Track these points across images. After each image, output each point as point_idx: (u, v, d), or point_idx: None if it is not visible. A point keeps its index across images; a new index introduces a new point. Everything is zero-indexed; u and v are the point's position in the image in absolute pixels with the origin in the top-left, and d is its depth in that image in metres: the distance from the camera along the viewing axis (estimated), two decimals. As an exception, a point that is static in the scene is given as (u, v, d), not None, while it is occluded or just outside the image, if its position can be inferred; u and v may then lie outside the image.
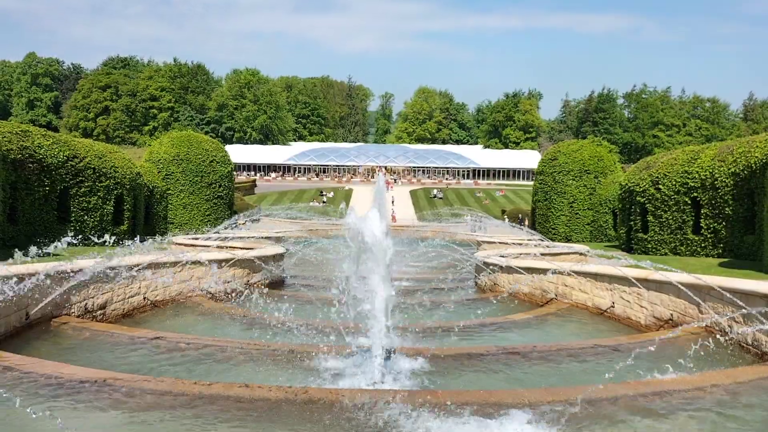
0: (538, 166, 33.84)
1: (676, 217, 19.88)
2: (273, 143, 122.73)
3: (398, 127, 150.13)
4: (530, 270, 13.81)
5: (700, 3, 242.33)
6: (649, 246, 20.91)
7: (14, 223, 17.73)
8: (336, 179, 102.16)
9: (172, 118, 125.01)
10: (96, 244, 10.95)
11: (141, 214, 24.85)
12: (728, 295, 8.46)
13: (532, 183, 40.88)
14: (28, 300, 8.63)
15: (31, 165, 18.22)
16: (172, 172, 29.10)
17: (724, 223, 18.01)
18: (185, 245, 17.00)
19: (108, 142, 64.81)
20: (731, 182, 17.59)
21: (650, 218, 20.89)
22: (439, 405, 5.50)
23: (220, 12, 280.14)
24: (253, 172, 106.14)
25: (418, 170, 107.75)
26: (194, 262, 12.80)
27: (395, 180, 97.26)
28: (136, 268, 11.07)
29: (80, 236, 13.01)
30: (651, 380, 6.53)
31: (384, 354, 7.19)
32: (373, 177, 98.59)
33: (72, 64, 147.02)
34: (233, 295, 13.27)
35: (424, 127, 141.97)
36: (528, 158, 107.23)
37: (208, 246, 16.52)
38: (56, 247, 8.85)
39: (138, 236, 13.36)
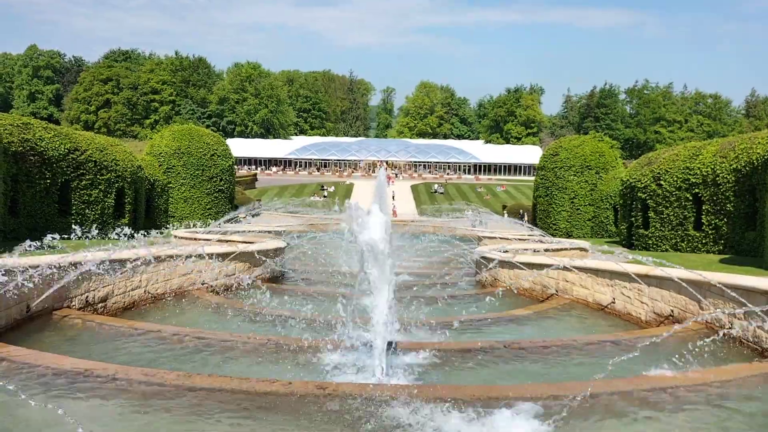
0: (540, 162, 33.80)
1: (678, 213, 19.87)
2: (274, 137, 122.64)
3: (399, 121, 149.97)
4: (531, 265, 13.80)
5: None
6: (650, 242, 20.90)
7: (15, 215, 17.74)
8: (337, 174, 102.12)
9: (173, 112, 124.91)
10: (96, 237, 10.97)
11: (142, 208, 24.86)
12: (729, 291, 8.46)
13: (533, 178, 40.85)
14: (30, 292, 8.64)
15: (32, 158, 18.22)
16: (173, 166, 29.10)
17: (725, 219, 18.00)
18: (186, 239, 17.01)
19: (109, 135, 64.81)
20: (733, 178, 17.57)
21: (651, 214, 20.88)
22: (439, 399, 5.51)
23: (222, 4, 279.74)
24: (254, 166, 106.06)
25: (419, 165, 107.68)
26: (195, 256, 12.81)
27: (396, 175, 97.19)
28: (137, 261, 11.07)
29: (84, 229, 13.02)
30: (651, 376, 6.54)
31: (384, 348, 7.20)
32: (374, 171, 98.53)
33: (73, 56, 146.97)
34: (234, 288, 13.28)
35: (425, 122, 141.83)
36: (529, 153, 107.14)
37: (209, 240, 16.51)
38: (53, 239, 8.86)
39: (139, 230, 13.37)
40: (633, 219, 22.22)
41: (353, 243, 7.40)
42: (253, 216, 34.11)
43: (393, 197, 65.24)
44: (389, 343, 7.33)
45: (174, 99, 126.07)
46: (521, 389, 5.97)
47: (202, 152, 29.64)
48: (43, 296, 8.85)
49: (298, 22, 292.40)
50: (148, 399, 5.68)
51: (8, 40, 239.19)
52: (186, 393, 5.75)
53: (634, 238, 22.07)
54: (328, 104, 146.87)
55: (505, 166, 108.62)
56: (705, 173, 18.69)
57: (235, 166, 35.06)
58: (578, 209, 30.89)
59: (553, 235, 28.01)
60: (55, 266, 8.91)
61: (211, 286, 13.03)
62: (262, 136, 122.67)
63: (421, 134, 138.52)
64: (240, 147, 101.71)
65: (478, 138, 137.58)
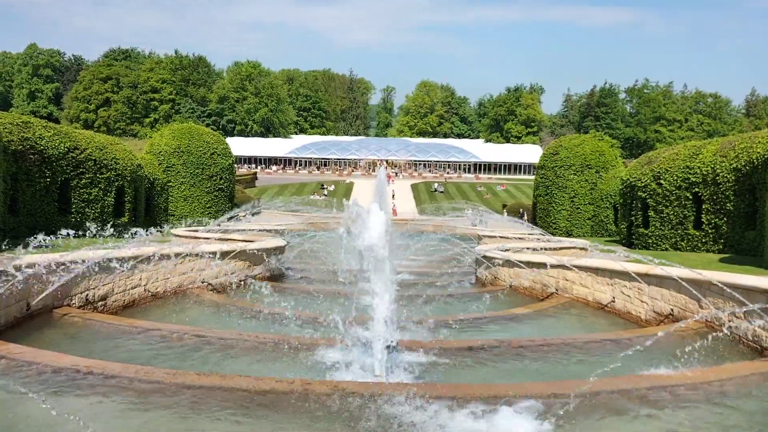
0: (540, 161, 33.80)
1: (677, 213, 19.86)
2: (274, 136, 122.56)
3: (399, 120, 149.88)
4: (531, 264, 13.80)
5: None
6: (650, 241, 20.90)
7: (15, 214, 17.72)
8: (337, 172, 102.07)
9: (173, 110, 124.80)
10: (97, 236, 10.97)
11: (142, 206, 24.86)
12: (729, 290, 8.46)
13: (533, 177, 40.84)
14: (29, 291, 8.64)
15: (32, 156, 18.20)
16: (173, 164, 29.09)
17: (725, 218, 17.99)
18: (186, 237, 17.01)
19: (109, 134, 64.70)
20: (733, 178, 17.57)
21: (651, 213, 20.88)
22: (440, 397, 5.51)
23: (222, 2, 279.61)
24: (254, 165, 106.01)
25: (420, 164, 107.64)
26: (195, 254, 12.81)
27: (396, 174, 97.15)
28: (136, 260, 11.07)
29: (86, 227, 13.03)
30: (651, 374, 6.54)
31: (384, 347, 7.20)
32: (374, 170, 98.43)
33: (73, 55, 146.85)
34: (234, 287, 13.29)
35: (425, 121, 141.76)
36: (529, 153, 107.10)
37: (209, 238, 16.52)
38: (51, 238, 8.86)
39: (138, 228, 13.37)
40: (633, 218, 22.21)
41: (352, 242, 7.39)
42: (252, 215, 34.12)
43: (393, 196, 65.24)
44: (389, 342, 7.33)
45: (174, 98, 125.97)
46: (521, 387, 5.97)
47: (202, 151, 29.64)
48: (43, 294, 8.86)
49: (298, 20, 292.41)
50: (148, 397, 5.68)
51: (8, 38, 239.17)
52: (185, 391, 5.75)
53: (634, 237, 22.07)
54: (328, 103, 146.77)
55: (505, 165, 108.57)
56: (705, 172, 18.69)
57: (235, 165, 35.05)
58: (578, 208, 30.89)
59: (553, 234, 28.02)
60: (54, 264, 8.91)
61: (211, 285, 13.03)
62: (262, 134, 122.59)
63: (422, 133, 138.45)
64: (240, 146, 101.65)
65: (478, 137, 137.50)
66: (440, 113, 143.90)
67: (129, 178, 22.54)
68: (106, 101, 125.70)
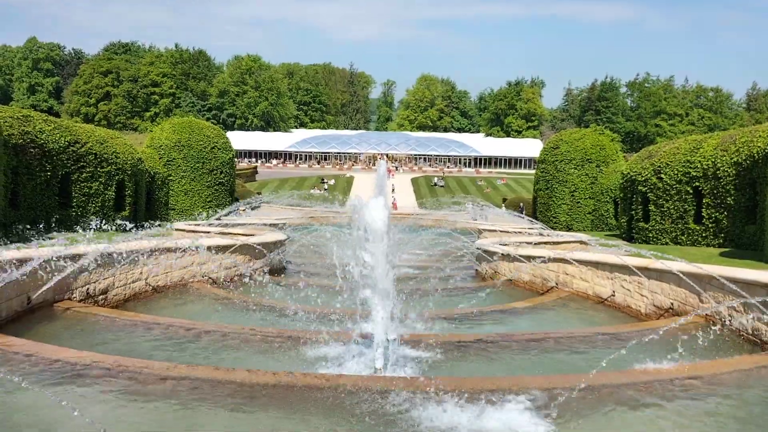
0: (540, 155, 33.76)
1: (678, 207, 19.86)
2: (274, 130, 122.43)
3: (400, 114, 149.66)
4: (531, 258, 13.81)
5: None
6: (650, 235, 20.91)
7: (15, 208, 17.74)
8: (337, 167, 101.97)
9: (173, 104, 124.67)
10: (99, 230, 10.97)
11: (142, 200, 24.87)
12: (729, 284, 8.46)
13: (533, 172, 40.81)
14: (30, 284, 8.65)
15: (32, 150, 18.20)
16: (174, 158, 29.07)
17: (725, 212, 18.00)
18: (186, 231, 17.02)
19: (109, 128, 64.61)
20: (733, 172, 17.56)
21: (652, 207, 20.88)
22: (440, 390, 5.52)
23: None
24: (254, 159, 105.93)
25: (420, 158, 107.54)
26: (195, 248, 12.82)
27: (396, 168, 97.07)
28: (137, 254, 11.09)
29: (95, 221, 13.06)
30: (648, 369, 6.56)
31: (384, 340, 7.21)
32: (374, 165, 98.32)
33: (73, 49, 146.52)
34: (234, 280, 13.31)
35: (425, 115, 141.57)
36: (530, 147, 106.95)
37: (209, 232, 16.53)
38: (52, 234, 8.88)
39: (139, 222, 13.38)
40: (633, 212, 22.22)
41: (353, 235, 7.39)
42: (253, 209, 34.12)
43: (393, 190, 65.21)
44: (389, 336, 7.35)
45: (174, 92, 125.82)
46: (520, 381, 5.99)
47: (203, 145, 29.61)
48: (44, 288, 8.87)
49: (298, 15, 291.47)
50: (147, 388, 5.70)
51: (8, 32, 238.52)
52: (186, 383, 5.77)
53: (634, 231, 22.08)
54: (329, 97, 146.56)
55: (505, 160, 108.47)
56: (705, 166, 18.68)
57: (236, 159, 35.02)
58: (578, 202, 30.88)
59: (554, 228, 28.03)
60: (55, 258, 8.93)
61: (212, 279, 13.05)
62: (263, 128, 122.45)
63: (422, 127, 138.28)
64: (240, 140, 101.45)
65: (478, 131, 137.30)
66: (441, 107, 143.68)
67: (129, 172, 22.54)
68: (107, 95, 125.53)
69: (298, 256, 18.65)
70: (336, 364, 7.13)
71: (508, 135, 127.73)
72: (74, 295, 9.72)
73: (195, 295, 11.83)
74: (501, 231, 21.45)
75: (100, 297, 10.29)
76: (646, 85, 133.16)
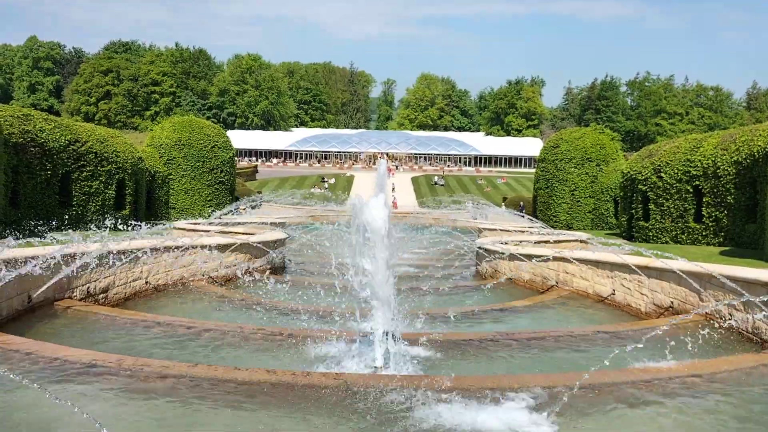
0: (540, 154, 33.75)
1: (678, 206, 19.86)
2: (275, 129, 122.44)
3: (400, 113, 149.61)
4: (531, 257, 13.82)
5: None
6: (651, 234, 20.91)
7: (16, 206, 17.74)
8: (337, 166, 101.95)
9: (173, 103, 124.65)
10: (100, 228, 10.97)
11: (143, 199, 24.87)
12: (729, 283, 8.47)
13: (533, 170, 40.80)
14: (31, 283, 8.66)
15: (32, 149, 18.20)
16: (174, 157, 29.07)
17: (725, 211, 18.00)
18: (187, 230, 17.03)
19: (110, 127, 64.65)
20: (733, 171, 17.56)
21: (652, 206, 20.88)
22: (440, 389, 5.53)
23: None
24: (254, 158, 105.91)
25: (420, 157, 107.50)
26: (196, 247, 12.83)
27: (397, 167, 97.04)
28: (137, 253, 11.09)
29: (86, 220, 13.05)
30: (648, 367, 6.56)
31: (384, 338, 7.22)
32: (374, 163, 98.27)
33: (73, 47, 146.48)
34: (235, 279, 13.31)
35: (426, 114, 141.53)
36: (530, 146, 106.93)
37: (210, 231, 16.54)
38: (48, 232, 8.89)
39: (140, 221, 13.40)
40: (633, 211, 22.21)
41: (353, 234, 7.39)
42: (253, 207, 34.14)
43: (393, 189, 65.20)
44: (389, 334, 7.36)
45: (174, 91, 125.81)
46: (521, 379, 6.00)
47: (203, 144, 29.61)
48: (45, 287, 8.88)
49: (298, 14, 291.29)
50: (149, 387, 5.70)
51: (8, 31, 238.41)
52: (186, 381, 5.78)
53: (634, 230, 22.08)
54: (329, 96, 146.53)
55: (505, 158, 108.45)
56: (706, 165, 18.68)
57: (236, 158, 35.00)
58: (579, 201, 30.87)
59: (554, 227, 28.02)
60: (55, 257, 8.93)
61: (212, 277, 13.06)
62: (263, 127, 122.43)
63: (422, 126, 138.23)
64: (240, 139, 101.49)
65: (478, 130, 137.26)
66: (441, 106, 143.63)
67: (130, 171, 22.54)
68: (107, 94, 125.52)
69: (298, 254, 18.66)
70: (336, 363, 7.14)
71: (508, 134, 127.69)
72: (75, 294, 9.73)
73: (195, 293, 11.84)
74: (501, 230, 21.46)
75: (101, 296, 10.29)
76: (647, 84, 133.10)
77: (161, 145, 29.14)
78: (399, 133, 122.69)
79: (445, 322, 9.42)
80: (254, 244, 14.47)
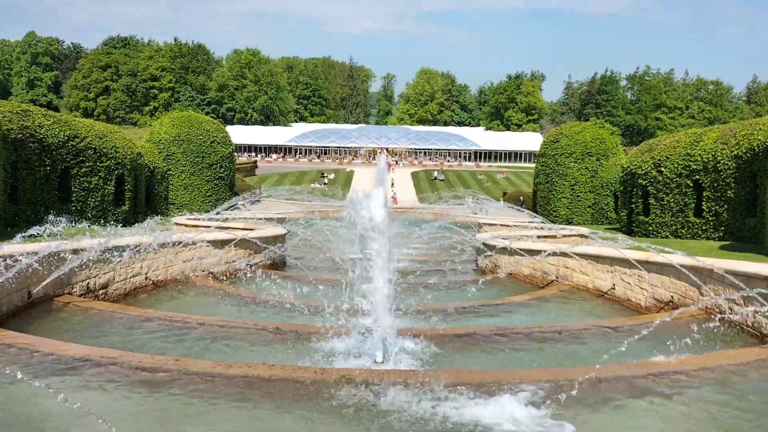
0: (540, 149, 33.72)
1: (678, 200, 19.85)
2: (274, 124, 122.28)
3: (400, 108, 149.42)
4: (531, 252, 13.81)
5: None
6: (651, 229, 20.90)
7: (15, 202, 17.72)
8: (337, 161, 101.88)
9: (172, 99, 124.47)
10: (99, 224, 10.95)
11: (142, 195, 24.85)
12: (729, 277, 8.46)
13: (533, 165, 40.76)
14: (30, 279, 8.65)
15: (31, 145, 18.17)
16: (173, 153, 29.04)
17: (725, 205, 17.98)
18: (186, 226, 17.02)
19: (109, 122, 64.53)
20: (734, 165, 17.54)
21: (652, 201, 20.86)
22: (440, 383, 5.53)
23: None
24: (254, 153, 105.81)
25: (420, 152, 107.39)
26: (195, 243, 12.82)
27: (396, 162, 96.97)
28: (137, 248, 11.08)
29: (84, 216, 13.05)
30: (649, 362, 6.56)
31: (384, 334, 7.22)
32: (374, 159, 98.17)
33: (72, 43, 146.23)
34: (234, 275, 13.31)
35: (425, 109, 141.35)
36: (530, 140, 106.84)
37: (209, 227, 16.53)
38: (46, 228, 8.87)
39: (139, 217, 13.39)
40: (633, 206, 22.20)
41: (353, 229, 7.39)
42: (253, 203, 34.13)
43: (393, 184, 65.15)
44: (389, 329, 7.35)
45: (173, 86, 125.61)
46: (521, 374, 5.99)
47: (202, 139, 29.57)
48: (44, 283, 8.87)
49: (297, 8, 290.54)
50: (149, 382, 5.70)
51: (7, 27, 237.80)
52: (188, 377, 5.78)
53: (634, 224, 22.07)
54: (328, 91, 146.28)
55: (505, 153, 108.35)
56: (706, 160, 18.66)
57: (235, 154, 34.99)
58: (578, 196, 30.86)
59: (554, 222, 28.03)
60: (55, 252, 8.92)
61: (212, 273, 13.06)
62: (262, 123, 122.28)
63: (422, 121, 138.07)
64: (240, 134, 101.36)
65: (478, 125, 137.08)
66: (441, 101, 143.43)
67: (129, 167, 22.51)
68: (106, 89, 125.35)
69: (298, 250, 18.65)
70: (336, 358, 7.14)
71: (508, 129, 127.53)
72: (74, 290, 9.72)
73: (195, 289, 11.84)
74: (501, 225, 21.45)
75: (101, 291, 10.29)
76: (646, 78, 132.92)
77: (160, 140, 29.11)
78: (399, 128, 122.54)
79: (445, 316, 9.42)
80: (254, 240, 14.46)
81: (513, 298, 11.51)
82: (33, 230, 8.85)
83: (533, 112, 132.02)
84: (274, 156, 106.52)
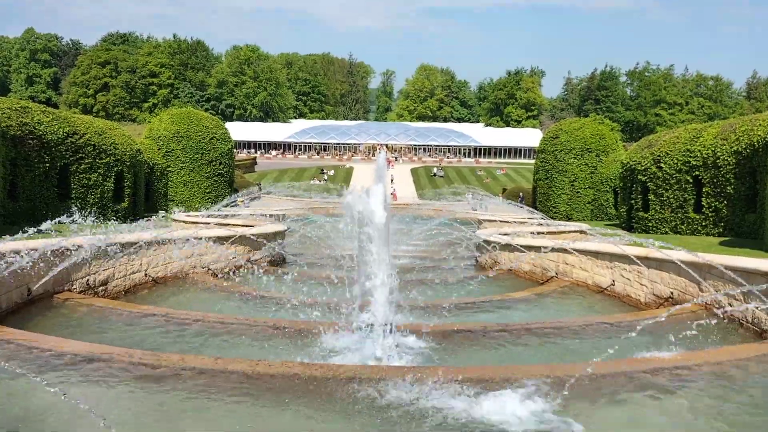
0: (540, 145, 33.72)
1: (678, 196, 19.85)
2: (273, 121, 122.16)
3: (399, 104, 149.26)
4: (531, 248, 13.81)
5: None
6: (650, 225, 20.91)
7: (14, 199, 17.72)
8: (337, 157, 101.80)
9: (171, 95, 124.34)
10: (99, 221, 10.93)
11: (141, 192, 24.84)
12: (729, 273, 8.46)
13: (533, 161, 40.75)
14: (30, 276, 8.65)
15: (30, 141, 18.16)
16: (173, 150, 29.03)
17: (725, 201, 17.99)
18: (186, 222, 17.01)
19: (108, 119, 64.40)
20: (733, 161, 17.54)
21: (651, 197, 20.87)
22: (441, 380, 5.53)
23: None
24: (253, 150, 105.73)
25: (419, 148, 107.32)
26: (195, 239, 12.81)
27: (396, 158, 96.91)
28: (136, 245, 11.08)
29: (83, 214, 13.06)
30: (649, 357, 6.56)
31: (384, 330, 7.21)
32: (373, 155, 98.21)
33: (71, 39, 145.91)
34: (234, 272, 13.31)
35: (425, 105, 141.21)
36: (529, 136, 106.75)
37: (209, 223, 16.52)
38: (49, 224, 8.86)
39: (138, 214, 13.38)
40: (633, 202, 22.21)
41: (353, 226, 7.38)
42: (252, 199, 34.12)
43: (392, 181, 65.13)
44: (389, 325, 7.35)
45: (172, 82, 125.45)
46: (522, 369, 6.00)
47: (201, 136, 29.55)
48: (44, 279, 8.87)
49: (296, 4, 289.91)
50: (149, 378, 5.70)
51: (5, 23, 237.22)
52: (189, 374, 5.77)
53: (633, 220, 22.08)
54: (328, 87, 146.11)
55: (505, 149, 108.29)
56: (705, 156, 18.65)
57: (234, 150, 34.98)
58: (578, 192, 30.87)
59: (553, 218, 28.03)
60: (55, 249, 8.91)
61: (212, 270, 13.05)
62: (261, 119, 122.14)
63: (421, 117, 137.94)
64: (239, 130, 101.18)
65: (478, 121, 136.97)
66: (440, 97, 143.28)
67: (128, 164, 22.49)
68: (105, 86, 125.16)
69: (297, 246, 18.64)
70: (336, 354, 7.14)
71: (507, 125, 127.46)
72: (74, 287, 9.72)
73: (195, 286, 11.83)
74: (501, 221, 21.45)
75: (100, 288, 10.28)
76: (646, 74, 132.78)
77: (160, 137, 29.09)
78: (398, 125, 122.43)
79: (444, 313, 9.41)
80: (253, 237, 14.45)
81: (513, 294, 11.50)
82: (42, 226, 8.81)
83: (533, 108, 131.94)
84: (274, 152, 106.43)
